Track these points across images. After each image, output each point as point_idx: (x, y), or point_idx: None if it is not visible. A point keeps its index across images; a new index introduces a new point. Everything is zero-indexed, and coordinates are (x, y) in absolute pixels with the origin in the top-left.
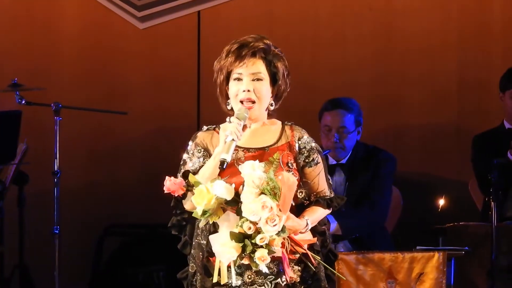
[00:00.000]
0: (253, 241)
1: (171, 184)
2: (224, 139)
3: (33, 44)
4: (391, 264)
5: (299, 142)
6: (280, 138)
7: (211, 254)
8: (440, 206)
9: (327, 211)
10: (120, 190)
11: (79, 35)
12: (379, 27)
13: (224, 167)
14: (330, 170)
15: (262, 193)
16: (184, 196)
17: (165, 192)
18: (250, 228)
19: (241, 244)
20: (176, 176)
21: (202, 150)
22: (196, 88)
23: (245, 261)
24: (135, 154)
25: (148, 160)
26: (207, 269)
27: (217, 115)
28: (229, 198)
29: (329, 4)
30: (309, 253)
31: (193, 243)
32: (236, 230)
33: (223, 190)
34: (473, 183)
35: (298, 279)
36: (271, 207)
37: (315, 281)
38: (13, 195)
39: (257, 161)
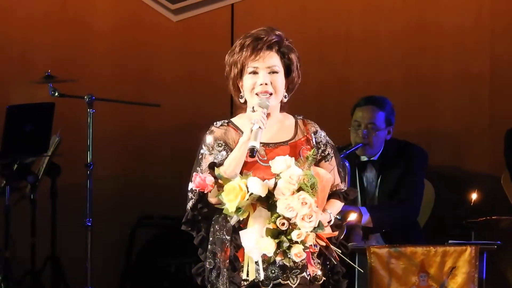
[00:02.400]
0: (288, 237)
1: (201, 181)
2: (250, 128)
3: (66, 37)
4: (423, 258)
5: (315, 136)
6: (296, 132)
7: (237, 249)
8: (473, 200)
9: (343, 204)
10: (152, 183)
11: (112, 28)
12: (412, 23)
13: (254, 154)
14: (362, 167)
15: (299, 189)
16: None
17: (194, 188)
18: (283, 224)
19: (276, 240)
20: (195, 171)
21: (223, 144)
22: None
23: (278, 258)
24: (167, 147)
25: (179, 153)
26: (234, 265)
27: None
28: (263, 194)
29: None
30: (332, 246)
31: (211, 239)
32: (269, 226)
33: (259, 186)
34: (505, 177)
35: (320, 272)
36: (310, 204)
37: (334, 274)
38: (46, 187)
39: (287, 156)
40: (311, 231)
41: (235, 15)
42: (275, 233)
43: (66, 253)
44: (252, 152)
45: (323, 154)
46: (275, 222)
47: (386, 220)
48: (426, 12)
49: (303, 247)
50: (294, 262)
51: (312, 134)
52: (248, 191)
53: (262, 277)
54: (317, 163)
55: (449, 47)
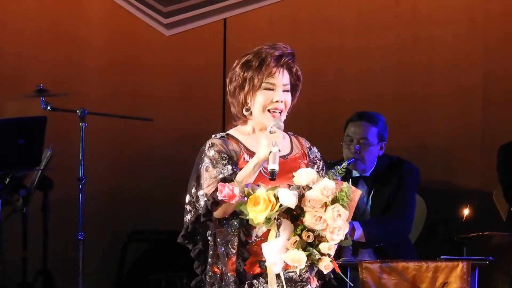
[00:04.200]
0: (317, 249)
1: (229, 191)
2: (271, 150)
3: (58, 52)
4: (415, 273)
5: (310, 152)
6: (292, 147)
7: (244, 262)
8: (465, 216)
9: None
10: (144, 197)
11: (104, 42)
12: (404, 38)
13: (275, 177)
14: (353, 182)
15: (333, 201)
16: (216, 203)
17: (221, 198)
18: (309, 237)
19: (306, 253)
20: (195, 184)
21: (227, 157)
22: (221, 96)
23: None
24: (159, 161)
25: (172, 168)
26: (240, 278)
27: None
28: (293, 206)
29: (355, 13)
30: (333, 260)
31: (211, 252)
32: (292, 239)
33: (291, 198)
34: (497, 193)
35: (319, 285)
36: (345, 216)
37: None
38: (38, 201)
39: (309, 169)
40: (339, 244)
41: (227, 29)
42: (304, 245)
43: (57, 267)
44: (272, 175)
45: (317, 169)
46: (299, 235)
47: (379, 236)
48: (419, 27)
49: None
50: (300, 275)
51: (307, 150)
52: (277, 202)
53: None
54: None
55: (442, 61)
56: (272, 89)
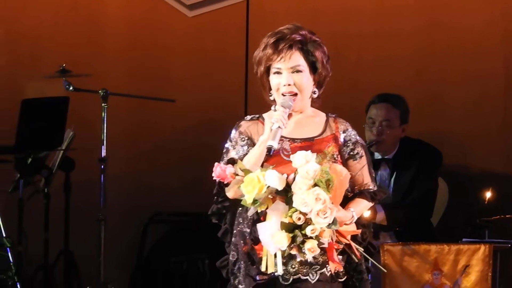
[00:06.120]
0: (303, 231)
1: (221, 171)
2: (270, 127)
3: (79, 35)
4: (436, 256)
5: (344, 135)
6: (325, 129)
7: (255, 242)
8: (487, 199)
9: (371, 204)
10: (165, 179)
11: (125, 23)
12: (423, 22)
13: (271, 153)
14: (375, 165)
15: (315, 185)
16: (227, 183)
17: (214, 178)
18: (299, 219)
19: (291, 235)
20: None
21: (246, 138)
22: (243, 79)
23: (293, 251)
24: (180, 143)
25: (193, 150)
26: (251, 257)
27: (264, 106)
28: (280, 188)
29: None
30: (353, 244)
31: (234, 231)
32: (285, 220)
33: (276, 180)
34: None
35: (342, 269)
36: (324, 200)
37: (357, 273)
38: (60, 181)
39: (309, 151)
40: (326, 227)
41: (250, 11)
42: (291, 227)
43: (79, 248)
44: (269, 151)
45: (351, 153)
46: (291, 216)
47: (400, 219)
48: (438, 11)
49: (317, 242)
50: (314, 257)
51: (341, 133)
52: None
53: (280, 271)
54: (344, 162)
55: (461, 46)
56: (281, 73)
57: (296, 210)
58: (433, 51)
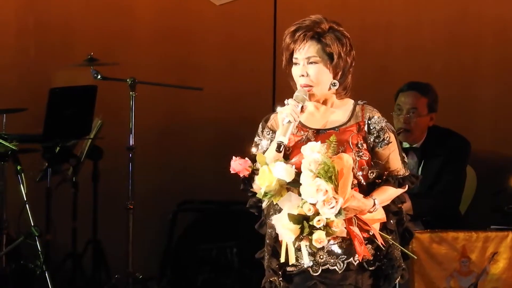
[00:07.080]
0: (310, 223)
1: (236, 165)
2: (282, 122)
3: (108, 23)
4: (464, 243)
5: (369, 122)
6: (350, 118)
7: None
8: None
9: (400, 190)
10: (193, 167)
11: (154, 11)
12: (453, 13)
13: (281, 150)
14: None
15: (318, 176)
16: (247, 178)
17: (232, 172)
18: (310, 210)
19: (299, 226)
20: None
21: (271, 132)
22: (271, 68)
23: (303, 243)
24: (208, 132)
25: (220, 139)
26: (275, 250)
27: (292, 95)
28: (288, 179)
29: None
30: (376, 232)
31: (268, 223)
32: (297, 211)
33: (283, 171)
34: None
35: (371, 257)
36: (326, 190)
37: (388, 260)
38: (88, 170)
39: (318, 142)
40: (335, 217)
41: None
42: (299, 219)
43: (107, 236)
44: (278, 148)
45: (376, 140)
46: (302, 207)
47: (427, 209)
48: (468, 2)
49: (325, 233)
50: (341, 247)
51: (367, 120)
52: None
53: (307, 262)
54: (371, 150)
55: (491, 36)
56: (298, 63)
57: (306, 202)
58: (463, 41)
